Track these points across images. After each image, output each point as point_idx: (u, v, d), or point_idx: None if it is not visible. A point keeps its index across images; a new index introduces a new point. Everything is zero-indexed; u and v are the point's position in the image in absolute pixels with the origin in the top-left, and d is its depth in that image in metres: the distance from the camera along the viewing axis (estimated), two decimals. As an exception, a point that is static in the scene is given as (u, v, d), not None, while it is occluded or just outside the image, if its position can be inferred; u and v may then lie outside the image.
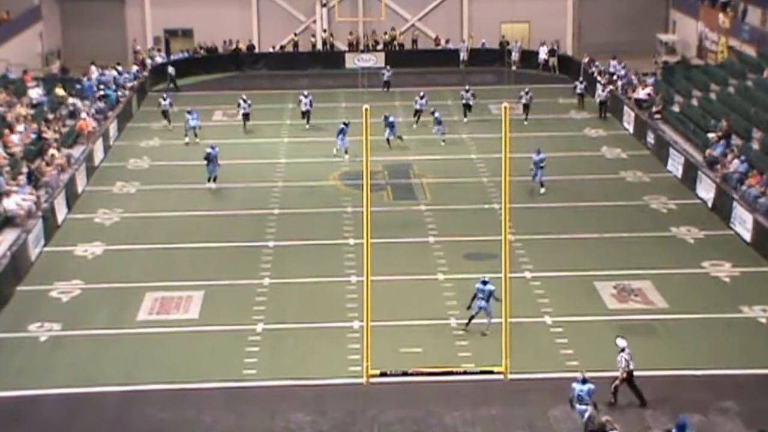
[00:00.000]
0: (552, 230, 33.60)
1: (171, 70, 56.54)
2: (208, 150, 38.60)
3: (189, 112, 45.09)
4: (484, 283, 26.28)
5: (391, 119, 43.18)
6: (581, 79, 50.38)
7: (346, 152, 41.59)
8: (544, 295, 28.54)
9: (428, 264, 30.98)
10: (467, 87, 48.01)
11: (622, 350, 22.74)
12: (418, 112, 46.73)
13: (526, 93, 47.89)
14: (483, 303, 26.05)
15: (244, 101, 47.14)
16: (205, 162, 38.29)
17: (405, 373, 22.17)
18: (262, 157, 42.82)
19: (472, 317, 26.25)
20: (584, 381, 21.42)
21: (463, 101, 47.61)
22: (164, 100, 47.53)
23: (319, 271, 30.44)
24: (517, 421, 22.22)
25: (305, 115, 47.28)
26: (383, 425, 22.17)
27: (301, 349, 25.73)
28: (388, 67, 55.19)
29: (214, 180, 38.37)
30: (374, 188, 36.35)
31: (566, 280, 29.39)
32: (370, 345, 19.56)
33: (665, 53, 60.34)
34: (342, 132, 41.69)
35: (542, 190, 36.90)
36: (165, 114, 47.28)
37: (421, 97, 46.66)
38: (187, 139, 44.44)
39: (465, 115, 47.49)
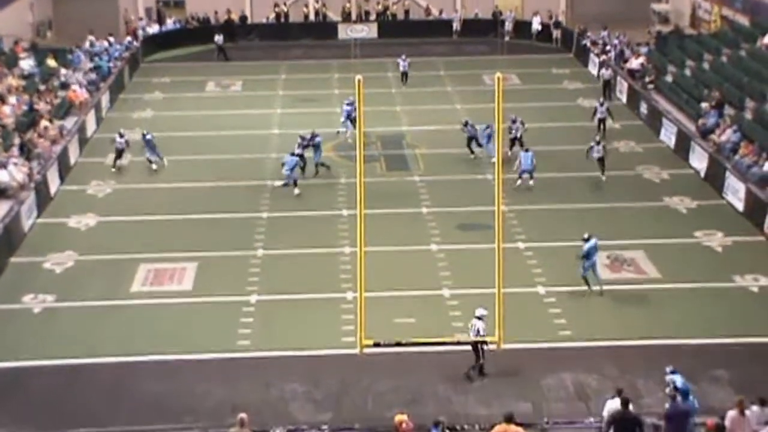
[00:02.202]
0: (545, 201, 33.62)
1: (219, 38, 55.96)
2: (287, 158, 34.68)
3: (144, 139, 37.53)
4: (587, 239, 26.80)
5: (318, 139, 36.54)
6: (602, 100, 42.08)
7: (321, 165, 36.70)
8: (537, 266, 28.61)
9: (421, 234, 31.01)
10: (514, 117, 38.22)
11: (479, 318, 22.47)
12: (471, 139, 37.85)
13: (404, 60, 49.03)
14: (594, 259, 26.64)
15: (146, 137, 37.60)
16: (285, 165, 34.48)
17: (398, 344, 22.36)
18: (255, 128, 42.72)
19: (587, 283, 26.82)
20: None
21: (511, 134, 37.79)
22: (120, 137, 37.23)
23: (313, 242, 30.46)
24: (509, 391, 22.29)
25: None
26: (377, 395, 22.24)
27: (295, 319, 25.80)
28: (404, 57, 49.79)
29: (295, 184, 34.46)
30: (367, 159, 36.21)
31: (559, 250, 29.40)
32: (364, 315, 19.67)
33: (658, 23, 60.15)
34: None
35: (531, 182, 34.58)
36: (119, 153, 37.30)
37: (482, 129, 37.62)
38: (155, 166, 37.27)
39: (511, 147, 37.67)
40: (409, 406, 20.59)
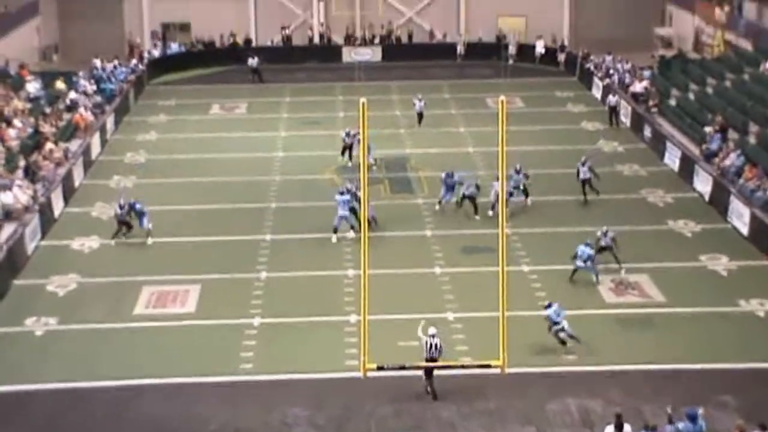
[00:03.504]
0: (549, 223, 33.56)
1: (253, 61, 55.86)
2: (338, 196, 32.44)
3: (135, 209, 32.59)
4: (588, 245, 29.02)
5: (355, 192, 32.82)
6: (584, 159, 35.74)
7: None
8: (541, 289, 28.52)
9: (425, 257, 30.94)
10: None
11: (432, 336, 22.95)
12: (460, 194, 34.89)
13: (420, 100, 45.31)
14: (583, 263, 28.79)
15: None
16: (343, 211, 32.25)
17: (402, 367, 22.26)
18: (259, 150, 42.74)
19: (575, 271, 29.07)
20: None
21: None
22: (120, 208, 32.52)
23: (317, 264, 30.40)
24: (514, 415, 22.19)
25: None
26: (380, 419, 22.13)
27: (298, 342, 25.72)
28: (420, 96, 45.96)
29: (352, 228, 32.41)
30: (371, 181, 36.15)
31: (564, 274, 29.34)
32: (368, 339, 19.57)
33: (662, 47, 60.28)
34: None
35: (490, 213, 33.62)
36: (124, 225, 32.69)
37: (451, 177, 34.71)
38: (149, 240, 32.41)
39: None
40: (413, 431, 20.48)
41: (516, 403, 22.62)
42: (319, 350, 25.20)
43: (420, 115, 45.74)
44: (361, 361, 20.61)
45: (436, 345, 22.90)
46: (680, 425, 19.50)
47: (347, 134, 39.87)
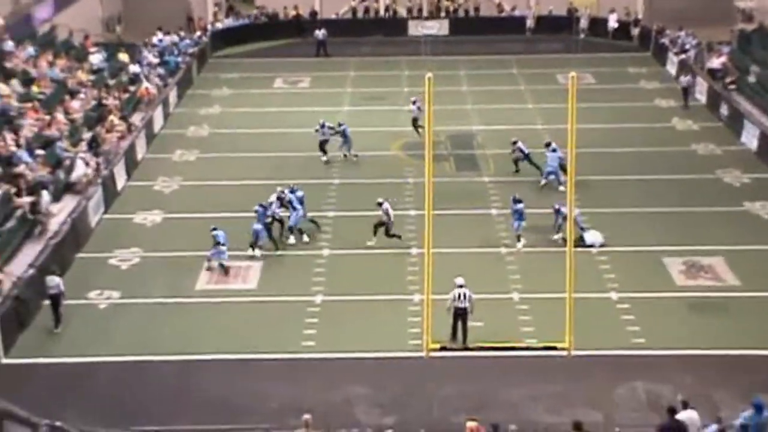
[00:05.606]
0: (619, 204, 32.80)
1: (320, 34, 55.22)
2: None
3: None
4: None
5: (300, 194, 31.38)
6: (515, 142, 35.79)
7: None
8: (610, 271, 27.88)
9: (490, 237, 30.39)
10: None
11: (460, 286, 23.84)
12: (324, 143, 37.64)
13: (414, 103, 39.57)
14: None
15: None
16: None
17: (466, 348, 21.87)
18: (323, 125, 42.33)
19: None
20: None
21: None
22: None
23: (380, 242, 29.94)
24: (579, 399, 21.75)
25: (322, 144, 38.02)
26: (442, 400, 21.86)
27: (361, 321, 25.42)
28: (414, 99, 39.80)
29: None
30: (436, 159, 35.50)
31: (634, 256, 28.70)
32: (431, 318, 19.17)
33: (742, 21, 58.65)
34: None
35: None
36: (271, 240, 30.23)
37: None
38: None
39: None
40: (475, 412, 20.03)
41: (582, 387, 22.19)
42: (382, 329, 24.90)
43: (414, 120, 39.81)
44: (424, 341, 20.20)
45: (464, 294, 23.50)
46: (745, 414, 18.76)
47: (322, 126, 37.85)
